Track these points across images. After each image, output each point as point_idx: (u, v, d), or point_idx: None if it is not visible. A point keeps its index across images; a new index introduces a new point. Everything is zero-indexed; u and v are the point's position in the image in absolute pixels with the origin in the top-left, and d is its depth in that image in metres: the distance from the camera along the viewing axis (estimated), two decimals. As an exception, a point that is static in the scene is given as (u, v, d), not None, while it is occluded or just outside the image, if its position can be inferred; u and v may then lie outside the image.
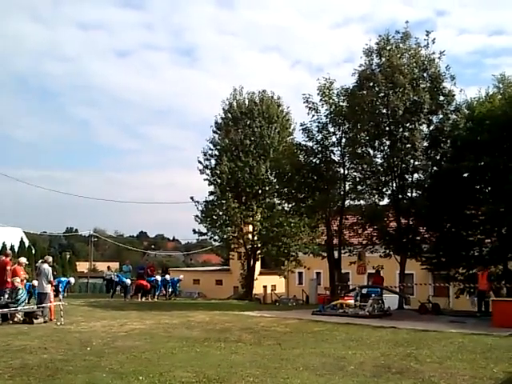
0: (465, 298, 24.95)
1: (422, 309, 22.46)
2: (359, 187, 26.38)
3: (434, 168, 24.77)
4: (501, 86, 23.78)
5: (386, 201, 26.28)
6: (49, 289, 16.51)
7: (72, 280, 28.41)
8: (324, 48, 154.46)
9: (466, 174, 23.24)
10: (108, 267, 35.62)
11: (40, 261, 18.29)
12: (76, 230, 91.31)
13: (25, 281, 17.85)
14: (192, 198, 33.67)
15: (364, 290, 22.18)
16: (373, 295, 20.89)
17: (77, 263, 63.67)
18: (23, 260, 17.88)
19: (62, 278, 27.24)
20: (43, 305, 16.08)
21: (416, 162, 24.48)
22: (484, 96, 24.14)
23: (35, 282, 17.86)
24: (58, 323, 15.32)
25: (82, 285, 43.68)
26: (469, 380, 8.75)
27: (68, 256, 58.76)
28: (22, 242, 42.53)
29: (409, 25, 25.14)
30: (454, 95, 24.61)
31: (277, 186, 30.34)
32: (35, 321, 15.51)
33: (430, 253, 25.17)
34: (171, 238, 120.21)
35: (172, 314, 18.81)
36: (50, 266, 16.87)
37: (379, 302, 20.81)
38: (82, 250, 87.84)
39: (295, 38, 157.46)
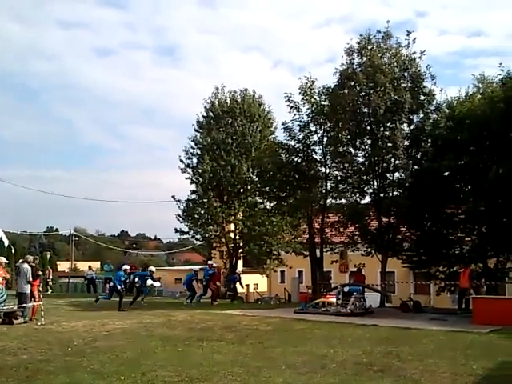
0: (446, 295, 25.15)
1: (403, 307, 22.57)
2: (341, 186, 26.44)
3: (415, 167, 24.93)
4: (480, 85, 24.00)
5: (367, 199, 26.41)
6: (28, 289, 16.34)
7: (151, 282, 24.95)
8: (305, 48, 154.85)
9: (446, 173, 23.41)
10: (89, 267, 35.44)
11: (20, 260, 18.12)
12: (57, 230, 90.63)
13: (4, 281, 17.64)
14: (173, 196, 33.55)
15: (346, 289, 22.26)
16: (354, 293, 20.97)
17: (57, 263, 63.27)
18: (3, 259, 17.64)
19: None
20: (23, 305, 15.92)
21: (397, 161, 24.60)
22: (464, 96, 24.35)
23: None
24: (39, 323, 15.20)
25: (62, 284, 43.37)
26: (449, 377, 8.83)
27: (48, 255, 58.29)
28: (1, 241, 42.12)
29: (389, 25, 25.25)
30: (434, 95, 24.81)
31: (259, 185, 30.29)
32: (15, 321, 15.36)
33: (410, 251, 25.35)
34: (153, 238, 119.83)
35: (154, 314, 18.76)
36: (30, 265, 16.69)
37: (361, 300, 20.90)
38: (63, 250, 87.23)
39: (277, 38, 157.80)
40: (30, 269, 16.50)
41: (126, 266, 23.60)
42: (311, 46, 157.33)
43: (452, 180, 23.43)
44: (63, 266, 64.47)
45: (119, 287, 21.51)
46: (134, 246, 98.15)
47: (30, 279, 16.43)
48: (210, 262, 28.66)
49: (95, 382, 8.12)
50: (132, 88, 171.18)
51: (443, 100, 24.87)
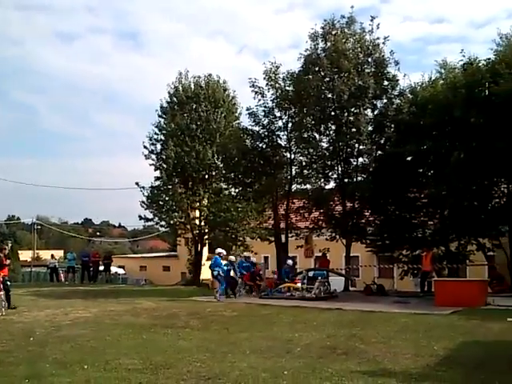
0: (409, 279, 25.54)
1: (367, 290, 22.86)
2: (305, 171, 26.56)
3: (379, 152, 25.18)
4: (443, 71, 24.24)
5: (331, 185, 26.64)
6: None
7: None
8: (270, 33, 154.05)
9: (409, 158, 23.69)
10: (52, 255, 34.82)
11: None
12: (18, 218, 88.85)
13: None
14: (137, 183, 33.11)
15: (310, 273, 22.43)
16: (319, 278, 21.13)
17: (19, 252, 62.15)
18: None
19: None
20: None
21: (361, 146, 24.78)
22: (427, 81, 24.57)
23: None
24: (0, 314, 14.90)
25: (25, 274, 42.73)
26: (411, 358, 8.94)
27: (10, 244, 57.17)
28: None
29: (353, 10, 25.29)
30: (397, 80, 25.03)
31: (223, 171, 30.22)
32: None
33: (374, 235, 25.66)
34: (117, 225, 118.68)
35: (118, 302, 18.60)
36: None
37: (325, 285, 21.08)
38: (25, 239, 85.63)
39: (241, 23, 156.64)
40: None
41: (232, 257, 22.97)
42: (275, 31, 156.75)
43: (415, 165, 23.71)
44: (25, 256, 63.32)
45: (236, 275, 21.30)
46: (98, 233, 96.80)
47: None
48: (245, 253, 27.42)
49: (57, 372, 7.97)
50: (95, 73, 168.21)
51: (406, 85, 25.16)
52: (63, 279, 33.80)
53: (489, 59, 22.18)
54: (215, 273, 20.52)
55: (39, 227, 71.76)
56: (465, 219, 21.45)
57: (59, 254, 51.87)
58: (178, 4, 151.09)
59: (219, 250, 22.19)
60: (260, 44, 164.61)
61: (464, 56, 22.75)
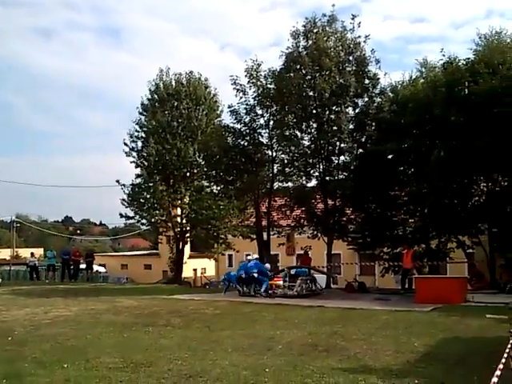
0: (390, 276, 25.69)
1: (348, 288, 22.96)
2: (287, 169, 26.61)
3: (360, 150, 25.28)
4: (423, 70, 24.40)
5: (313, 183, 26.74)
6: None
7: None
8: (252, 31, 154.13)
9: (390, 156, 23.81)
10: (31, 254, 34.48)
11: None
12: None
13: None
14: (118, 181, 32.93)
15: (292, 271, 22.45)
16: (301, 276, 21.16)
17: (-2, 250, 61.54)
18: None
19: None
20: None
21: (342, 145, 24.86)
22: (407, 80, 24.74)
23: None
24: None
25: (4, 272, 42.22)
26: (392, 355, 8.99)
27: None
28: None
29: (335, 9, 25.32)
30: (378, 79, 25.15)
31: (205, 169, 30.19)
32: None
33: (356, 233, 25.78)
34: (98, 223, 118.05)
35: (99, 300, 18.44)
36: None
37: (307, 283, 21.11)
38: (4, 237, 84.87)
39: (224, 21, 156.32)
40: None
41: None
42: (258, 29, 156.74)
43: (396, 163, 23.85)
44: (4, 254, 62.74)
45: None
46: (79, 231, 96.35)
47: None
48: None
49: (36, 372, 7.89)
50: (75, 70, 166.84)
51: (387, 84, 25.31)
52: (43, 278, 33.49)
53: (468, 59, 22.38)
54: (255, 275, 20.49)
55: (18, 225, 71.12)
56: (445, 217, 21.62)
57: (39, 252, 51.32)
58: (163, 2, 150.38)
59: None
60: (242, 42, 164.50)
61: (444, 55, 22.97)
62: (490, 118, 19.98)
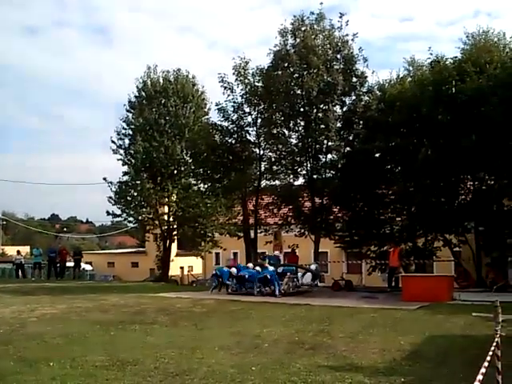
0: (377, 274, 25.77)
1: (335, 286, 22.98)
2: (274, 167, 26.59)
3: (347, 148, 25.28)
4: (411, 68, 24.50)
5: (300, 181, 26.68)
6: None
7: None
8: (240, 29, 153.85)
9: (377, 155, 23.91)
10: (18, 251, 34.20)
11: None
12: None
13: None
14: (105, 178, 32.66)
15: (280, 269, 22.43)
16: (288, 274, 21.15)
17: (-16, 248, 61.05)
18: None
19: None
20: None
21: (330, 143, 24.85)
22: (395, 78, 24.81)
23: None
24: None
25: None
26: (378, 352, 9.03)
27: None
28: None
29: (323, 7, 25.31)
30: (366, 77, 25.17)
31: (192, 167, 30.13)
32: None
33: (343, 231, 25.82)
34: (84, 221, 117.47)
35: (85, 298, 18.37)
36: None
37: (294, 281, 21.11)
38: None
39: (211, 19, 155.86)
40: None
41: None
42: (246, 27, 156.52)
43: (383, 161, 23.93)
44: (-10, 252, 62.35)
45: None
46: (65, 229, 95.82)
47: None
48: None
49: (22, 370, 7.84)
50: (62, 67, 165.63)
51: (375, 82, 25.34)
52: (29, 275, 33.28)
53: (456, 58, 22.52)
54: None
55: (4, 223, 70.65)
56: (432, 215, 21.71)
57: (25, 249, 50.99)
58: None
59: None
60: (230, 40, 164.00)
61: (431, 54, 23.08)
62: (476, 116, 20.11)
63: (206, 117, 32.69)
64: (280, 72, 24.72)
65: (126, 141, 33.12)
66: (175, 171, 32.79)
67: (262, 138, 26.56)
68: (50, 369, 7.95)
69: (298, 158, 25.67)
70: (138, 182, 32.11)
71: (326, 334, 10.82)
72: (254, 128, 26.59)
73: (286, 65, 24.62)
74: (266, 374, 7.62)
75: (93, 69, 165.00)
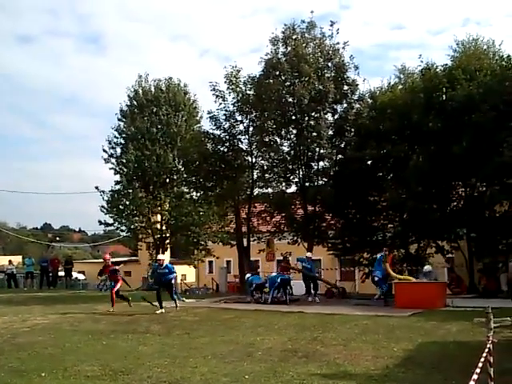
0: (370, 281, 25.74)
1: (328, 293, 22.97)
2: (267, 175, 26.61)
3: (339, 156, 25.33)
4: (402, 76, 24.68)
5: (293, 188, 26.72)
6: None
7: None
8: (232, 38, 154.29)
9: (369, 162, 23.95)
10: (9, 261, 34.02)
11: None
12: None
13: None
14: (97, 187, 32.62)
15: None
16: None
17: (-25, 258, 60.59)
18: None
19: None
20: None
21: (321, 151, 24.89)
22: (386, 86, 24.96)
23: None
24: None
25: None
26: (371, 360, 9.03)
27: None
28: None
29: (314, 16, 25.49)
30: (357, 85, 25.22)
31: (185, 175, 30.14)
32: None
33: (335, 239, 25.85)
34: (77, 230, 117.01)
35: (78, 308, 18.27)
36: None
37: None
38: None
39: (203, 28, 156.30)
40: None
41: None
42: (238, 35, 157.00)
43: (375, 169, 23.98)
44: (-19, 261, 61.93)
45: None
46: (58, 238, 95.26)
47: None
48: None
49: (13, 381, 7.80)
50: (55, 76, 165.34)
51: (366, 90, 25.44)
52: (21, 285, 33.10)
53: (446, 65, 22.70)
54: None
55: (-4, 232, 70.30)
56: (424, 222, 21.75)
57: (17, 259, 50.70)
58: (140, 6, 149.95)
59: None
60: (222, 48, 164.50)
61: (422, 62, 23.23)
62: (467, 123, 20.23)
63: (198, 125, 32.72)
64: (271, 80, 24.78)
65: (118, 150, 33.15)
66: (167, 180, 32.77)
67: (254, 146, 26.59)
68: (42, 379, 7.92)
69: (290, 166, 25.69)
70: (131, 191, 32.08)
71: (319, 342, 10.80)
72: (246, 136, 26.64)
73: (277, 73, 24.68)
74: (259, 383, 7.61)
75: (85, 77, 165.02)
